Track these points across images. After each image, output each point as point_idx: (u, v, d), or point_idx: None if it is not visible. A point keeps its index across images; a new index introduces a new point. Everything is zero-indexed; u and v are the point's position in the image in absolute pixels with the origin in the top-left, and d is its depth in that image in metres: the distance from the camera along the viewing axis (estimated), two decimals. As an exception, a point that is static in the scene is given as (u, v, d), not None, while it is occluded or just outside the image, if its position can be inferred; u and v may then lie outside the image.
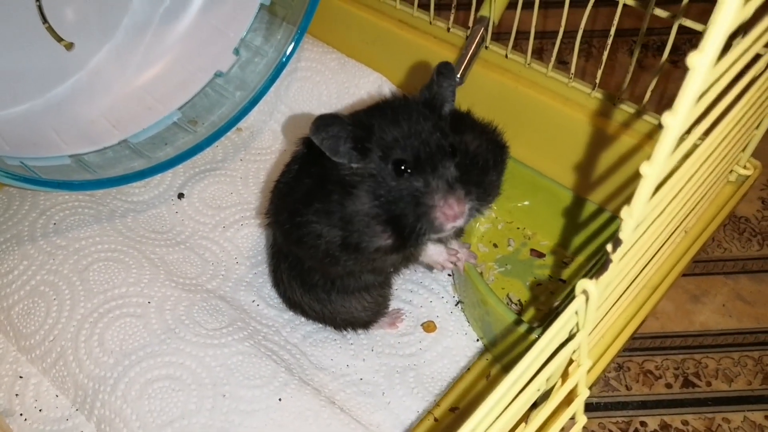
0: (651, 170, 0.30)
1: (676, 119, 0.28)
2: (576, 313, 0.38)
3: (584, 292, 0.36)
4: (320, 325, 0.75)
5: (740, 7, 0.25)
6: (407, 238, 0.58)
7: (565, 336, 0.38)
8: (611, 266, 0.36)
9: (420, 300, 0.78)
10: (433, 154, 0.56)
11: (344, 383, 0.70)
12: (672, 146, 0.30)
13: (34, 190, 0.72)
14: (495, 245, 0.84)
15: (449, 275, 0.81)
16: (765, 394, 0.78)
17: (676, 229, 0.61)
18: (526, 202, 0.85)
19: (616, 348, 0.55)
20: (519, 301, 0.79)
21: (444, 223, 0.56)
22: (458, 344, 0.74)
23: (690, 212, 0.61)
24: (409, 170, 0.56)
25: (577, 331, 0.39)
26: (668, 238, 0.58)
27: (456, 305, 0.78)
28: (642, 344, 0.82)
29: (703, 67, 0.26)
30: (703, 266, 0.90)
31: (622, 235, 0.34)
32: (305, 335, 0.75)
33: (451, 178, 0.56)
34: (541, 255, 0.83)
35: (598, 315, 0.47)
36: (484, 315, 0.71)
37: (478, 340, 0.75)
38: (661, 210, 0.41)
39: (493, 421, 0.35)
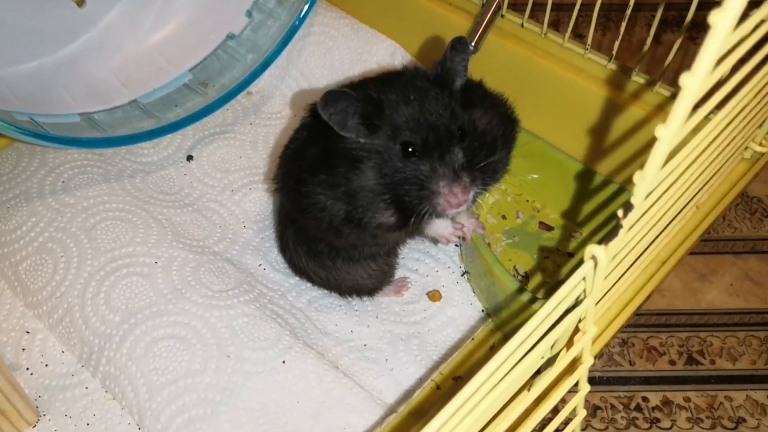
0: (666, 132, 0.30)
1: (694, 80, 0.28)
2: (584, 279, 0.38)
3: (593, 257, 0.36)
4: (325, 291, 0.76)
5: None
6: (410, 218, 0.58)
7: (572, 302, 0.38)
8: (621, 232, 0.35)
9: (426, 269, 0.78)
10: (442, 138, 0.56)
11: (348, 348, 0.71)
12: (689, 108, 0.29)
13: (43, 146, 0.72)
14: (503, 217, 0.83)
15: (456, 245, 0.80)
16: (769, 373, 0.78)
17: (687, 203, 0.60)
18: (536, 175, 0.84)
19: (623, 319, 0.55)
20: (525, 273, 0.79)
21: (447, 209, 0.56)
22: (463, 314, 0.74)
23: (703, 186, 0.61)
24: (417, 153, 0.56)
25: (584, 297, 0.39)
26: (679, 212, 0.58)
27: (462, 275, 0.78)
28: (647, 321, 0.82)
29: (724, 25, 0.26)
30: (713, 245, 0.90)
31: (633, 200, 0.33)
32: (311, 300, 0.75)
33: (458, 165, 0.56)
34: (549, 228, 0.82)
35: (607, 284, 0.47)
36: (490, 285, 0.71)
37: (483, 310, 0.75)
38: (674, 179, 0.40)
39: (495, 385, 0.35)
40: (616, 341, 0.80)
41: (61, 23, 0.85)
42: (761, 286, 0.86)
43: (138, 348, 0.65)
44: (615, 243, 0.36)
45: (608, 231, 0.37)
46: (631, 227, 0.36)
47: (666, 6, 0.71)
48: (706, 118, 0.37)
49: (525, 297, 0.65)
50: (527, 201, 0.85)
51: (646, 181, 0.32)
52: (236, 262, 0.77)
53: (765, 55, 0.41)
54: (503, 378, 0.36)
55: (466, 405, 0.34)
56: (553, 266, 0.79)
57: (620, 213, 0.35)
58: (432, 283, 0.77)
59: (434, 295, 0.75)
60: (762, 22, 0.31)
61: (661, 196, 0.40)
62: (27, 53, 0.84)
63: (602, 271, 0.37)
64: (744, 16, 0.30)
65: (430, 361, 0.71)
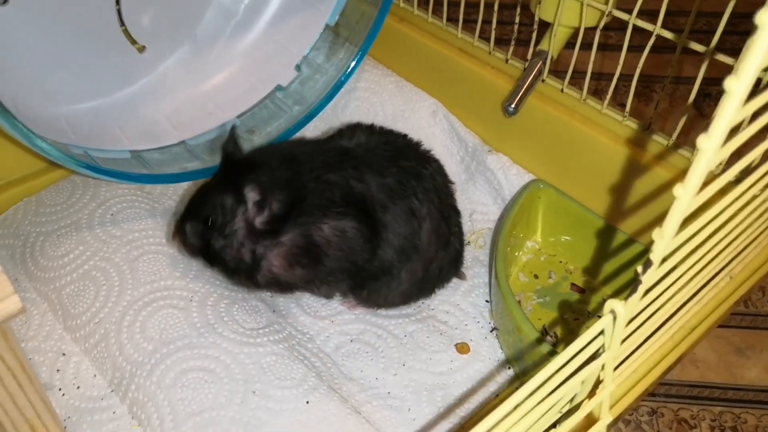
0: (684, 192, 0.31)
1: (710, 142, 0.29)
2: (602, 333, 0.38)
3: (612, 311, 0.37)
4: (352, 337, 0.77)
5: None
6: None
7: (590, 354, 0.38)
8: (640, 288, 0.36)
9: (455, 322, 0.79)
10: None
11: (371, 395, 0.71)
12: (705, 169, 0.30)
13: (94, 178, 0.76)
14: (536, 276, 0.84)
15: (487, 301, 0.81)
16: (804, 456, 0.75)
17: (719, 272, 0.60)
18: (569, 237, 0.85)
19: (648, 382, 0.54)
20: (555, 333, 0.78)
21: None
22: (490, 369, 0.74)
23: (736, 256, 0.61)
24: None
25: (603, 351, 0.39)
26: (710, 280, 0.58)
27: (491, 331, 0.78)
28: (679, 391, 0.80)
29: (738, 91, 0.27)
30: (751, 320, 0.88)
31: (652, 257, 0.34)
32: (338, 345, 0.76)
33: None
34: (581, 290, 0.82)
35: (630, 344, 0.47)
36: (517, 342, 0.71)
37: (509, 367, 0.75)
38: (698, 243, 0.41)
39: (508, 429, 0.36)
40: (644, 410, 0.78)
41: (122, 67, 0.90)
42: (799, 364, 0.84)
43: (168, 377, 0.66)
44: (634, 299, 0.37)
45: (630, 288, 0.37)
46: (649, 289, 0.37)
47: (709, 81, 0.72)
48: (734, 182, 0.37)
49: (551, 355, 0.65)
50: (560, 262, 0.85)
51: (664, 239, 0.33)
52: (269, 303, 0.79)
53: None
54: (517, 422, 0.36)
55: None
56: (583, 329, 0.79)
57: (639, 269, 0.35)
58: (461, 335, 0.77)
59: (462, 347, 0.76)
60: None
61: (684, 260, 0.40)
62: (88, 93, 0.89)
63: (621, 326, 0.37)
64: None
65: (453, 414, 0.70)
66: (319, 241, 0.69)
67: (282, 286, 0.73)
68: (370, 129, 0.78)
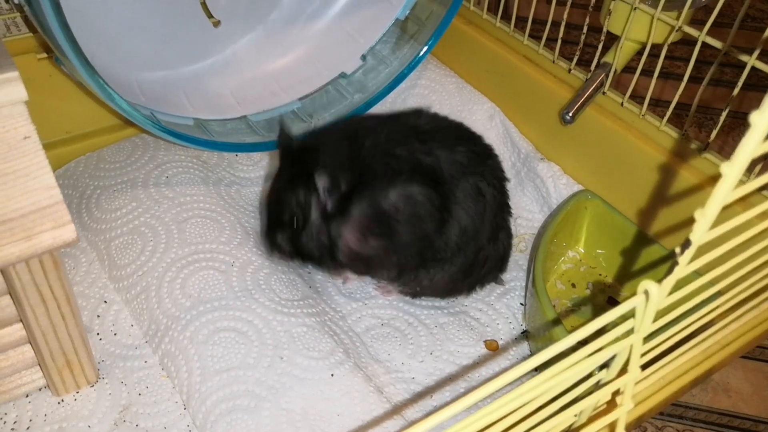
0: (731, 169, 0.31)
1: (763, 118, 0.29)
2: (633, 315, 0.38)
3: (645, 292, 0.37)
4: (383, 321, 0.77)
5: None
6: None
7: (616, 336, 0.38)
8: (677, 269, 0.36)
9: (487, 320, 0.79)
10: None
11: (395, 378, 0.71)
12: (755, 148, 0.30)
13: (160, 136, 0.78)
14: (573, 285, 0.83)
15: (521, 304, 0.81)
16: (834, 501, 0.73)
17: (761, 291, 0.59)
18: (612, 250, 0.84)
19: (673, 389, 0.53)
20: (584, 341, 0.78)
21: None
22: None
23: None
24: None
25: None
26: (751, 296, 0.57)
27: (522, 333, 0.78)
28: (707, 417, 0.78)
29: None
30: (793, 358, 0.86)
31: (692, 237, 0.34)
32: (368, 327, 0.77)
33: None
34: (617, 304, 0.81)
35: (656, 348, 0.46)
36: (547, 343, 0.70)
37: (537, 369, 0.74)
38: (740, 243, 0.41)
39: (516, 397, 0.36)
40: (670, 431, 0.77)
41: (196, 42, 0.94)
42: (838, 409, 0.81)
43: (201, 334, 0.68)
44: (669, 281, 0.36)
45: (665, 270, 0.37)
46: (682, 285, 0.37)
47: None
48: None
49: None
50: (600, 275, 0.85)
51: (706, 218, 0.33)
52: (306, 279, 0.80)
53: None
54: (532, 389, 0.36)
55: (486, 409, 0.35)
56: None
57: (677, 250, 0.35)
58: (491, 333, 0.77)
59: (491, 344, 0.76)
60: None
61: (722, 260, 0.40)
62: (162, 63, 0.92)
63: (653, 308, 0.37)
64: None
65: (475, 407, 0.70)
66: (387, 209, 0.68)
67: (364, 260, 0.72)
68: (435, 115, 0.78)
